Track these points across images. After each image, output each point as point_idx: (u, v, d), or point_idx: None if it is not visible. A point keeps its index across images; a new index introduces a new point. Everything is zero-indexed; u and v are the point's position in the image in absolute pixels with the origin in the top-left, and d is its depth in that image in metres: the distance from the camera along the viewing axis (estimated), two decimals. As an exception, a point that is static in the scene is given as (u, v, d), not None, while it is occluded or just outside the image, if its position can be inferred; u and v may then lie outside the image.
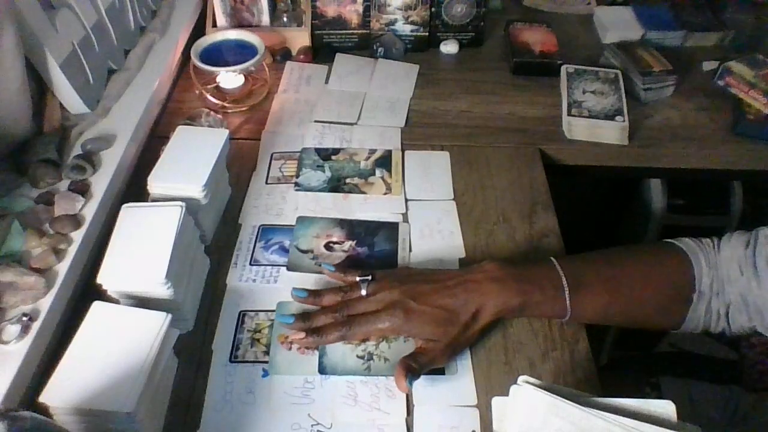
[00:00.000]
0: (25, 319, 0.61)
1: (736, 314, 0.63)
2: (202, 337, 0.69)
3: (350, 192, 0.85)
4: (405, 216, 0.82)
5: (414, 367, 0.61)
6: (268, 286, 0.73)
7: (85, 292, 0.69)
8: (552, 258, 0.66)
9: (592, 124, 0.96)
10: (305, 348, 0.66)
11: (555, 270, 0.65)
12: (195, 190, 0.71)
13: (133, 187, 0.82)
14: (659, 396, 0.94)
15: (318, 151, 0.91)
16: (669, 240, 0.69)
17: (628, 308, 0.66)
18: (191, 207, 0.70)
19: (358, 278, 0.67)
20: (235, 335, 0.68)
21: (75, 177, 0.75)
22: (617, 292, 0.65)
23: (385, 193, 0.85)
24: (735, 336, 0.66)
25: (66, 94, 0.81)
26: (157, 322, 0.59)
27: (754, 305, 0.62)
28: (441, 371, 0.65)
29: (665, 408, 0.46)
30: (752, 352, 0.99)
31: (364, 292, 0.65)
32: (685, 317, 0.65)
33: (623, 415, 0.45)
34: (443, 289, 0.64)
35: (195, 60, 0.95)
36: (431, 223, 0.81)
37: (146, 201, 0.71)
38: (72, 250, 0.68)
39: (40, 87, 0.80)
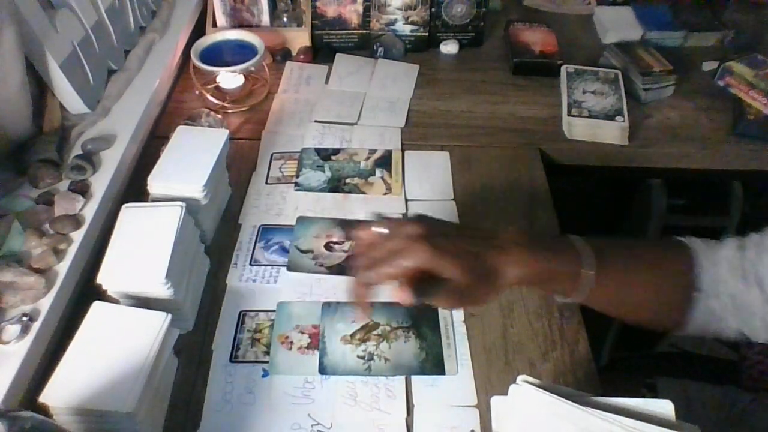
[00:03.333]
0: (25, 319, 0.61)
1: (729, 317, 0.62)
2: (202, 337, 0.69)
3: (350, 192, 0.85)
4: (405, 216, 0.82)
5: (423, 290, 0.56)
6: (268, 286, 0.73)
7: (85, 292, 0.69)
8: (570, 235, 0.63)
9: (592, 124, 0.96)
10: (362, 307, 0.62)
11: (576, 245, 0.61)
12: (195, 190, 0.71)
13: (133, 187, 0.82)
14: (655, 397, 0.94)
15: (318, 151, 0.91)
16: (678, 237, 0.67)
17: (640, 297, 0.64)
18: (191, 207, 0.70)
19: (370, 213, 0.62)
20: (235, 335, 0.68)
21: (75, 177, 0.75)
22: (634, 278, 0.63)
23: (385, 193, 0.85)
24: (734, 341, 0.65)
25: (66, 94, 0.81)
26: (157, 322, 0.59)
27: (742, 308, 0.60)
28: (441, 371, 0.65)
29: (664, 408, 0.46)
30: (752, 352, 0.98)
31: (386, 230, 0.60)
32: (690, 317, 0.63)
33: (623, 415, 0.45)
34: (471, 237, 0.59)
35: (195, 60, 0.95)
36: (431, 223, 0.81)
37: (146, 201, 0.71)
38: (72, 250, 0.68)
39: (40, 87, 0.80)
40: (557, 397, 0.46)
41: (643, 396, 0.78)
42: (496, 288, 0.59)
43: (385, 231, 0.59)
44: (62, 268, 0.66)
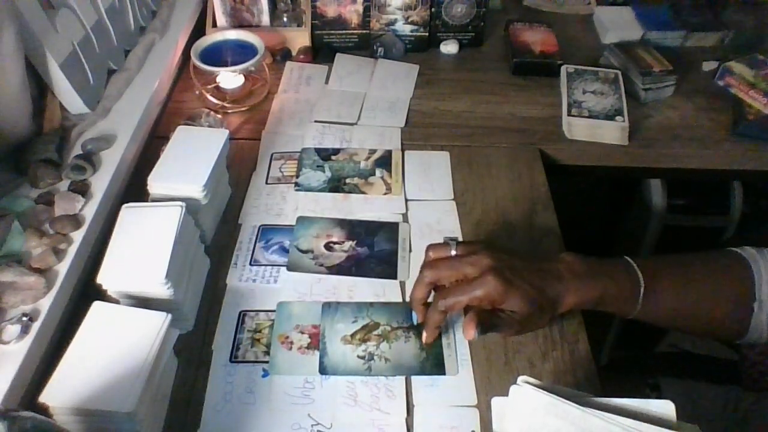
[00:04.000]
0: (25, 319, 0.61)
1: None
2: (202, 337, 0.69)
3: (350, 192, 0.85)
4: (405, 216, 0.82)
5: (486, 323, 0.59)
6: (268, 286, 0.73)
7: (85, 292, 0.69)
8: (626, 257, 0.65)
9: (592, 124, 0.96)
10: (430, 332, 0.65)
11: (632, 267, 0.64)
12: (195, 190, 0.71)
13: (133, 187, 0.82)
14: (659, 396, 0.94)
15: (318, 151, 0.91)
16: (732, 248, 0.68)
17: (697, 311, 0.65)
18: (191, 207, 0.70)
19: (443, 238, 0.66)
20: (235, 335, 0.68)
21: (75, 177, 0.75)
22: (689, 294, 0.65)
23: (385, 193, 0.85)
24: None
25: (66, 94, 0.81)
26: (157, 322, 0.59)
27: None
28: (441, 371, 0.65)
29: (664, 408, 0.46)
30: (752, 352, 0.98)
31: (453, 252, 0.63)
32: (748, 327, 0.64)
33: (622, 415, 0.45)
34: (534, 270, 0.62)
35: (195, 60, 0.95)
36: (431, 223, 0.81)
37: (146, 201, 0.71)
38: (72, 250, 0.68)
39: (40, 87, 0.80)
40: (557, 397, 0.46)
41: (647, 396, 0.78)
42: (554, 315, 0.62)
43: (453, 252, 0.63)
44: (62, 268, 0.66)
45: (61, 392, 0.53)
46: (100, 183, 0.76)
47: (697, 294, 0.65)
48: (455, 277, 0.62)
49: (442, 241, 0.66)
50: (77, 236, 0.69)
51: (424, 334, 0.66)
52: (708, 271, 0.66)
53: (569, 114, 0.98)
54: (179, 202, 0.68)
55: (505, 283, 0.59)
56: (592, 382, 0.66)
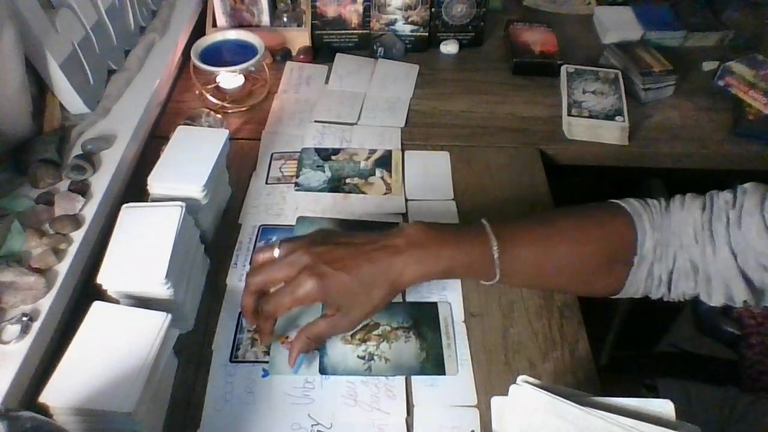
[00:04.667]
0: (25, 319, 0.61)
1: (681, 280, 0.61)
2: (202, 337, 0.69)
3: (350, 192, 0.85)
4: (405, 216, 0.82)
5: (311, 345, 0.62)
6: (268, 286, 0.73)
7: (85, 292, 0.69)
8: (483, 220, 0.63)
9: (592, 124, 0.96)
10: (262, 337, 0.66)
11: (484, 231, 0.61)
12: (195, 190, 0.71)
13: (133, 187, 0.82)
14: (656, 398, 0.94)
15: (318, 151, 0.91)
16: (613, 200, 0.65)
17: (562, 269, 0.63)
18: (191, 207, 0.70)
19: (274, 238, 0.66)
20: (235, 335, 0.68)
21: (75, 177, 0.75)
22: (550, 252, 0.62)
23: (385, 193, 0.85)
24: (674, 301, 0.63)
25: (66, 94, 0.81)
26: (157, 322, 0.59)
27: (704, 273, 0.59)
28: (441, 371, 0.65)
29: (664, 407, 0.46)
30: (751, 352, 0.98)
31: (276, 253, 0.62)
32: (625, 282, 0.62)
33: (622, 415, 0.45)
34: (360, 254, 0.59)
35: (195, 60, 0.95)
36: (431, 223, 0.81)
37: (146, 201, 0.71)
38: (72, 250, 0.68)
39: (40, 87, 0.80)
40: (557, 397, 0.46)
41: (644, 397, 0.78)
42: (396, 291, 0.61)
43: (276, 254, 0.62)
44: (62, 268, 0.66)
45: (61, 392, 0.53)
46: (100, 183, 0.76)
47: (563, 251, 0.62)
48: (280, 280, 0.60)
49: None
50: (77, 236, 0.69)
51: (259, 339, 0.67)
52: (577, 226, 0.64)
53: (569, 114, 0.98)
54: (179, 202, 0.68)
55: (319, 279, 0.58)
56: (592, 382, 0.66)
